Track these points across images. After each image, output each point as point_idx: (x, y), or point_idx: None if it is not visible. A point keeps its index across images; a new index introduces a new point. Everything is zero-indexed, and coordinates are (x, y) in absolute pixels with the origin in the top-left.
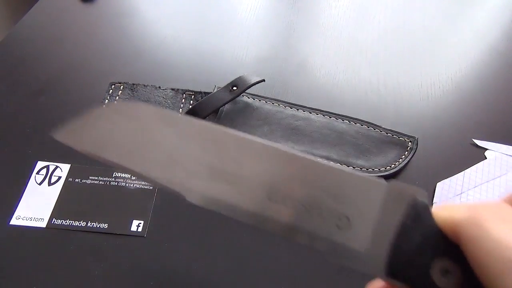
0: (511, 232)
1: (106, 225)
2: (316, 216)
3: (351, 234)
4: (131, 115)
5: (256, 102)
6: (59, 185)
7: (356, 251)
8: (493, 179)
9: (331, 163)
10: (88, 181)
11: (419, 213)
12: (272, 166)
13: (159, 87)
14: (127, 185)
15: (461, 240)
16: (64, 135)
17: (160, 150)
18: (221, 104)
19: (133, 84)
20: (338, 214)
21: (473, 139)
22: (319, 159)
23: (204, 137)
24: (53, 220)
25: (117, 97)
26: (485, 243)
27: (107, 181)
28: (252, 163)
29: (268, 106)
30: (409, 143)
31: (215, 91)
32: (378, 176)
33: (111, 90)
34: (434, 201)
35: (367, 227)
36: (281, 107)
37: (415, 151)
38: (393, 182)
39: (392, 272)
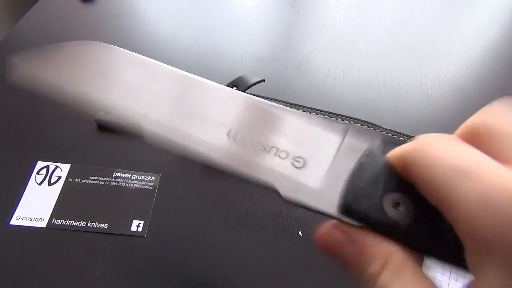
0: (451, 148)
1: (106, 225)
2: (273, 155)
3: (307, 172)
4: (99, 54)
5: None
6: (59, 185)
7: (310, 187)
8: None
9: (292, 109)
10: (88, 181)
11: (373, 153)
12: (234, 110)
13: None
14: (127, 185)
15: (409, 169)
16: (29, 64)
17: (124, 85)
18: None
19: None
20: (295, 155)
21: None
22: (280, 106)
23: (170, 79)
24: (53, 220)
25: None
26: (428, 162)
27: (107, 181)
28: (214, 107)
29: None
30: None
31: None
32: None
33: None
34: None
35: (323, 166)
36: None
37: None
38: (351, 126)
39: (345, 208)
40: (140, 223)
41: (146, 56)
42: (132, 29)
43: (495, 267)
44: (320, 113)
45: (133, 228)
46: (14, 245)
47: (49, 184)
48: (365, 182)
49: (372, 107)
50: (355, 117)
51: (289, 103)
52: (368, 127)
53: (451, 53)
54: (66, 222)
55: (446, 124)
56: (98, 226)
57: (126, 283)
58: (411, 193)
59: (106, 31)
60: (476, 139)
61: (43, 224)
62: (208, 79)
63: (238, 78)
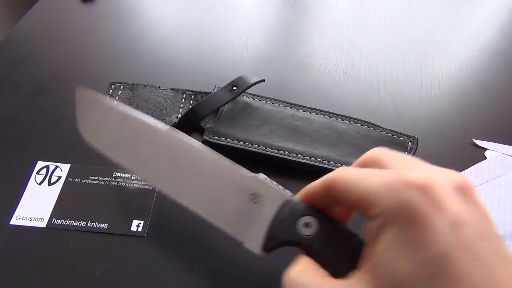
0: (360, 173)
1: (106, 225)
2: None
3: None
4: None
5: (256, 102)
6: (59, 185)
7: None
8: (493, 179)
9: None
10: (88, 181)
11: (288, 200)
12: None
13: (159, 87)
14: (127, 185)
15: (337, 190)
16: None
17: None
18: (221, 104)
19: (133, 84)
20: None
21: (473, 139)
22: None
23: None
24: (53, 220)
25: (117, 97)
26: (351, 181)
27: (107, 181)
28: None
29: (268, 106)
30: (409, 143)
31: (215, 91)
32: None
33: (111, 90)
34: None
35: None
36: (281, 107)
37: (415, 151)
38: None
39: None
40: (140, 223)
41: (146, 55)
42: (132, 29)
43: (389, 230)
44: (320, 113)
45: (133, 228)
46: (14, 245)
47: (49, 184)
48: (286, 213)
49: (372, 107)
50: (355, 117)
51: (289, 103)
52: (368, 127)
53: (451, 53)
54: (66, 222)
55: (446, 124)
56: (98, 226)
57: (126, 283)
58: (319, 217)
59: (106, 31)
60: (370, 164)
61: (43, 224)
62: (208, 79)
63: (238, 78)
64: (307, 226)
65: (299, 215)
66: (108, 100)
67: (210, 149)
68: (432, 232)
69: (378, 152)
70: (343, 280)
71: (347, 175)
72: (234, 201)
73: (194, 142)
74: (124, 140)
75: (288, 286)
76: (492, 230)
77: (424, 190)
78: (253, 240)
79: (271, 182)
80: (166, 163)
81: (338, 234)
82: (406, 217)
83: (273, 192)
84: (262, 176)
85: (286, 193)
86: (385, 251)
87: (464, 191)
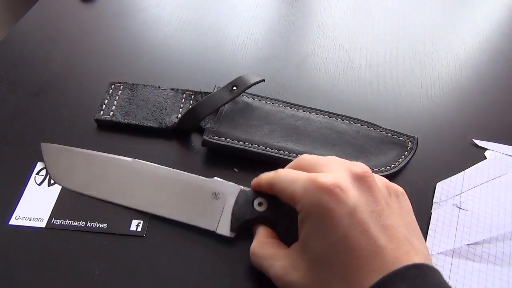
0: (290, 173)
1: (105, 225)
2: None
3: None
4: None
5: (256, 102)
6: (58, 186)
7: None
8: (493, 179)
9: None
10: None
11: (242, 190)
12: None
13: (159, 87)
14: None
15: (272, 185)
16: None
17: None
18: (221, 104)
19: (133, 84)
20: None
21: (473, 139)
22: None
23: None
24: (53, 220)
25: (117, 97)
26: (282, 180)
27: None
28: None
29: (268, 106)
30: (409, 143)
31: (215, 91)
32: None
33: (111, 90)
34: (434, 201)
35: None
36: (281, 107)
37: (415, 151)
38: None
39: (235, 223)
40: (140, 223)
41: (146, 55)
42: (132, 29)
43: (308, 221)
44: (320, 113)
45: (133, 227)
46: (13, 245)
47: (49, 184)
48: (243, 200)
49: (372, 107)
50: (355, 117)
51: (289, 103)
52: (368, 127)
53: (451, 53)
54: (65, 222)
55: (446, 124)
56: (97, 226)
57: (126, 283)
58: (267, 197)
59: (106, 31)
60: (299, 167)
61: (42, 224)
62: (208, 79)
63: (238, 78)
64: (260, 205)
65: (252, 198)
66: (70, 148)
67: (170, 168)
68: (335, 221)
69: (302, 160)
70: (288, 249)
71: (281, 179)
72: (201, 202)
73: (156, 166)
74: (95, 176)
75: (252, 257)
76: (380, 207)
77: (329, 191)
78: (223, 226)
79: (225, 181)
80: (137, 186)
81: (285, 207)
82: (318, 212)
83: (229, 187)
84: (217, 179)
85: (240, 186)
86: (307, 234)
87: (362, 181)
